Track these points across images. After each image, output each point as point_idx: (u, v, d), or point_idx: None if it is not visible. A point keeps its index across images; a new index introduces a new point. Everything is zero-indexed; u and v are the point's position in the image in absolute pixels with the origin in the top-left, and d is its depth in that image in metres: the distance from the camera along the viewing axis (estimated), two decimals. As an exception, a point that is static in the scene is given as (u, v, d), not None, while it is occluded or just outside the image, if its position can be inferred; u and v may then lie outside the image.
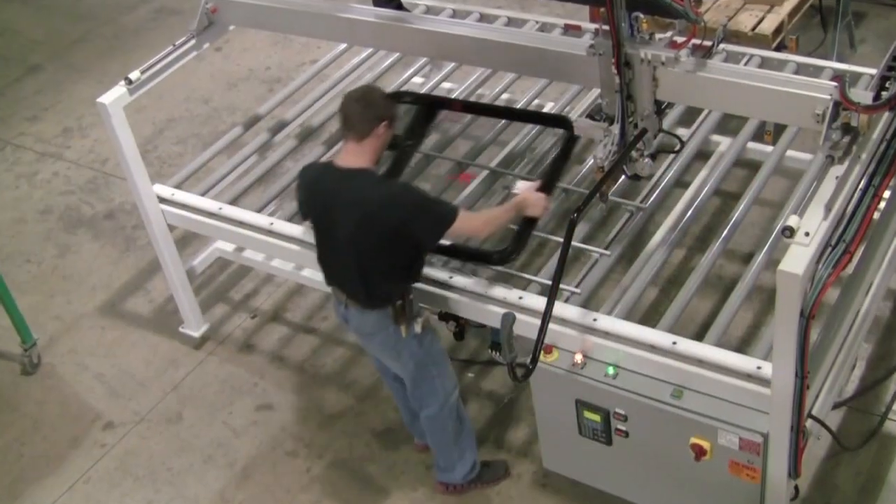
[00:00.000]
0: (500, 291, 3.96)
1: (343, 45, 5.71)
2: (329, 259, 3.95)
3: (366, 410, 4.92)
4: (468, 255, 4.11)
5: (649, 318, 4.72)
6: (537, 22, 5.09)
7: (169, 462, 4.85)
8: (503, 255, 4.03)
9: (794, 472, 3.46)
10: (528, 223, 4.07)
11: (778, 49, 5.59)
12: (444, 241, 3.97)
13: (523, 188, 4.12)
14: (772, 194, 5.16)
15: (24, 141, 7.39)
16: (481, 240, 4.21)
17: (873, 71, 4.30)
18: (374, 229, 3.68)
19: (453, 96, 5.43)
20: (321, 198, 3.86)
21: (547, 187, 4.18)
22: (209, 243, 5.45)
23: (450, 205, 3.87)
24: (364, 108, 3.76)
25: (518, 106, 5.30)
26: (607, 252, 4.21)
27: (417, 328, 3.92)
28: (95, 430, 5.07)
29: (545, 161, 4.78)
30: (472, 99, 5.54)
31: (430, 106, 4.82)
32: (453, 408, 4.18)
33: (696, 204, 4.49)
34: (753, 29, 5.68)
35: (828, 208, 3.18)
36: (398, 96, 4.88)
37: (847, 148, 3.37)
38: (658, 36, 3.66)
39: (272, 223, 4.57)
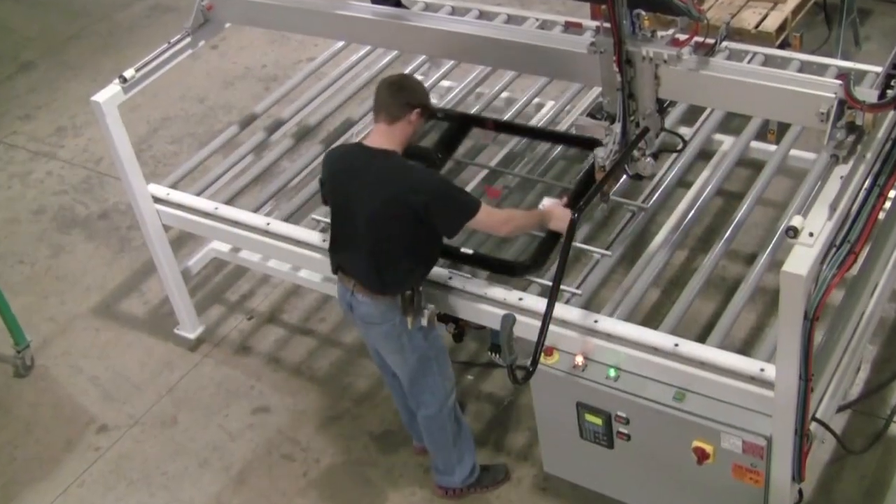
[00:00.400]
0: (499, 292, 3.96)
1: (340, 43, 5.70)
2: (343, 240, 3.94)
3: (363, 413, 4.92)
4: (488, 265, 4.09)
5: (651, 319, 4.72)
6: (537, 19, 5.09)
7: (164, 466, 4.85)
8: (524, 267, 4.02)
9: (798, 475, 3.46)
10: (553, 237, 4.06)
11: (781, 47, 5.59)
12: (467, 250, 4.04)
13: (549, 203, 4.13)
14: (775, 194, 5.15)
15: (17, 140, 7.38)
16: (499, 238, 4.19)
17: (878, 69, 4.28)
18: (397, 210, 3.69)
19: (454, 92, 5.46)
20: (345, 174, 3.87)
21: (574, 204, 4.17)
22: (205, 244, 5.45)
23: (473, 197, 3.88)
24: (398, 92, 3.80)
25: (520, 103, 5.34)
26: (609, 253, 4.20)
27: (424, 321, 3.92)
28: (89, 433, 5.07)
29: (546, 160, 4.78)
30: (472, 97, 5.55)
31: (463, 123, 4.81)
32: (452, 409, 4.18)
33: (698, 204, 4.49)
34: (757, 26, 5.68)
35: (832, 208, 3.18)
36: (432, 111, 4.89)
37: (852, 147, 3.37)
38: (660, 33, 3.66)
39: (269, 223, 4.57)
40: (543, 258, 4.05)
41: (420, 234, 3.77)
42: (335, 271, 4.01)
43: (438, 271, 4.06)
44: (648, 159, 3.91)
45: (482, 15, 5.20)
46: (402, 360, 4.03)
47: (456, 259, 4.09)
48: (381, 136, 3.81)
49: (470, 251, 4.07)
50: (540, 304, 3.76)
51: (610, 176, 3.82)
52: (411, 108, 3.78)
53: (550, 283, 3.62)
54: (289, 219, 4.69)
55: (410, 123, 3.80)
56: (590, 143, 4.21)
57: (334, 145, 4.74)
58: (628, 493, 4.02)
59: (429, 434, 4.25)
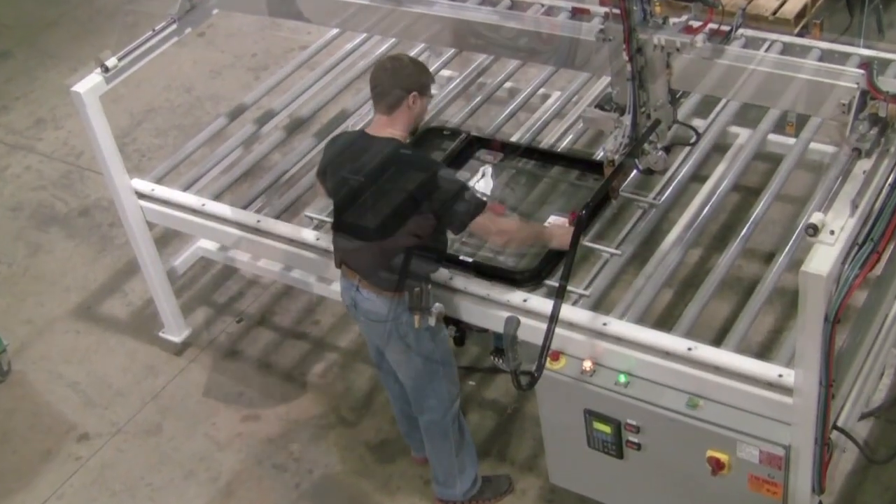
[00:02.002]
0: (503, 294, 3.96)
1: (334, 31, 5.71)
2: (346, 233, 3.95)
3: (359, 421, 4.93)
4: (490, 273, 4.09)
5: (664, 322, 4.72)
6: (543, 5, 5.09)
7: (148, 477, 4.86)
8: (525, 277, 4.01)
9: (819, 487, 3.47)
10: (558, 252, 4.06)
11: (801, 34, 5.59)
12: (466, 258, 4.05)
13: (554, 221, 4.14)
14: (794, 189, 5.16)
15: (-7, 132, 7.40)
16: (499, 246, 4.19)
17: (903, 57, 4.31)
18: (401, 202, 3.71)
19: (454, 83, 5.47)
20: (347, 164, 3.88)
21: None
22: (191, 242, 5.46)
23: (479, 197, 3.88)
24: (390, 79, 3.80)
25: (524, 94, 5.36)
26: (618, 251, 4.21)
27: (432, 321, 3.92)
28: (69, 442, 5.07)
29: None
30: (474, 88, 5.56)
31: (469, 143, 4.82)
32: (456, 416, 4.19)
33: (713, 200, 4.49)
34: (775, 13, 5.69)
35: (854, 205, 3.18)
36: (438, 130, 4.90)
37: (875, 140, 3.37)
38: (672, 20, 3.66)
39: (259, 220, 4.57)
40: (547, 271, 4.05)
41: (425, 227, 3.78)
42: (339, 265, 4.02)
43: (439, 271, 4.06)
44: (660, 153, 3.91)
45: (484, 1, 5.21)
46: (407, 361, 4.03)
47: (456, 266, 4.09)
48: (382, 126, 3.83)
49: (469, 259, 4.08)
50: (546, 305, 3.76)
51: (620, 170, 3.82)
52: (407, 93, 3.79)
53: (557, 284, 3.62)
54: (280, 216, 4.69)
55: (410, 108, 3.81)
56: (598, 168, 4.23)
57: (335, 132, 4.73)
58: (639, 506, 4.04)
59: (430, 442, 4.26)
